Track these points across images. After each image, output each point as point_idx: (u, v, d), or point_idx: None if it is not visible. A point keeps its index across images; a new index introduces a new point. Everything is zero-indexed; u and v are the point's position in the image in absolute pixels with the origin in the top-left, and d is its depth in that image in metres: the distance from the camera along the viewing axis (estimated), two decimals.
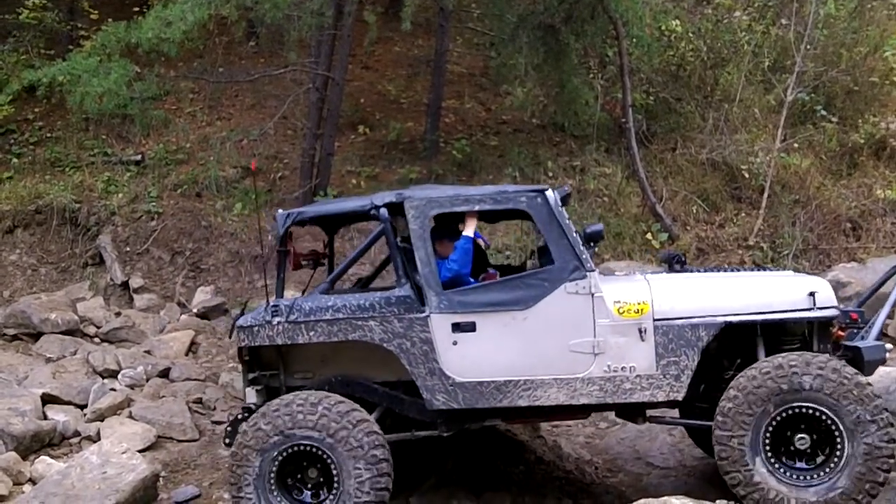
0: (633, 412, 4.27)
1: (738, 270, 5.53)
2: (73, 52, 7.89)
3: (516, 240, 8.00)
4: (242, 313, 4.41)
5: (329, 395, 4.07)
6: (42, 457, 5.15)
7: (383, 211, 4.16)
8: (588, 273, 4.00)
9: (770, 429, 3.82)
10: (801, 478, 3.83)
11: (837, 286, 6.49)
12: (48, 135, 9.46)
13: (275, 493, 3.98)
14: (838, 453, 3.77)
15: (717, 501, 3.86)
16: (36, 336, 7.04)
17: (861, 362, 4.04)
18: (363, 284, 5.21)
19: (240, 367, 4.49)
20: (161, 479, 4.93)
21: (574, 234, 4.05)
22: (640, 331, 3.96)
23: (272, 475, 3.98)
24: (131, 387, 6.19)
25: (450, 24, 9.33)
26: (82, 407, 5.79)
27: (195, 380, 6.38)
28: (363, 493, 3.90)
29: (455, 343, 4.01)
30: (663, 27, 9.11)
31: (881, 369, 4.70)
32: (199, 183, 8.69)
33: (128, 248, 8.26)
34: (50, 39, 9.81)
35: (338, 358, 4.33)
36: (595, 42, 8.78)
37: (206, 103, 9.78)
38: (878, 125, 8.67)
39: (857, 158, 8.62)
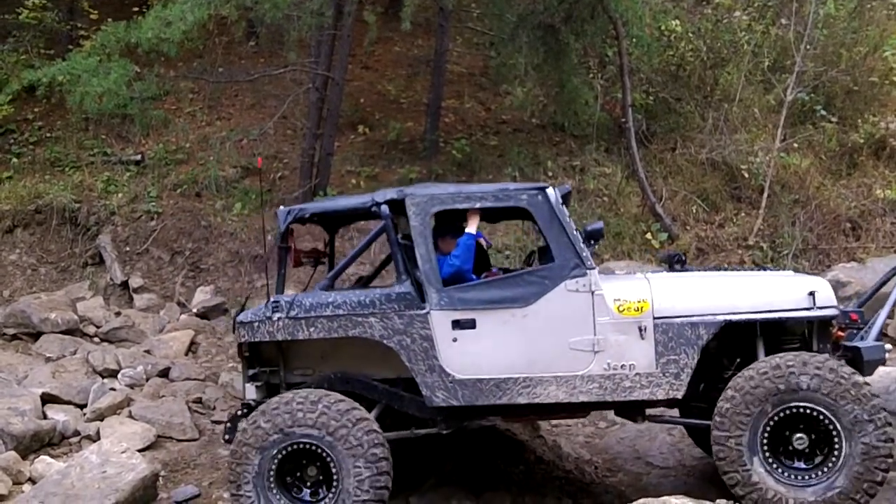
0: (632, 411, 4.26)
1: (738, 270, 5.53)
2: (72, 51, 7.88)
3: (516, 240, 8.00)
4: (243, 310, 4.41)
5: (329, 393, 4.07)
6: (42, 456, 5.15)
7: (384, 208, 4.17)
8: (588, 271, 4.00)
9: (768, 429, 3.82)
10: (799, 477, 3.82)
11: (837, 286, 6.49)
12: (48, 134, 9.47)
13: (274, 492, 3.98)
14: (836, 453, 3.77)
15: (717, 501, 3.85)
16: (36, 336, 7.04)
17: (861, 362, 4.03)
18: (364, 284, 5.20)
19: (240, 365, 4.48)
20: (161, 478, 4.93)
21: (574, 232, 4.05)
22: (640, 329, 3.96)
23: (271, 473, 3.97)
24: (131, 386, 6.18)
25: (449, 24, 9.34)
26: (82, 406, 5.78)
27: (195, 379, 6.38)
28: (362, 491, 3.89)
29: (455, 340, 4.01)
30: (663, 27, 9.12)
31: (881, 369, 4.69)
32: (198, 183, 8.69)
33: (127, 248, 8.26)
34: (50, 39, 9.82)
35: (338, 354, 4.33)
36: (595, 42, 8.79)
37: (206, 103, 9.79)
38: (878, 125, 8.68)
39: (857, 158, 8.63)
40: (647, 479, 5.03)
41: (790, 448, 3.88)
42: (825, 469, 3.80)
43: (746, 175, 8.50)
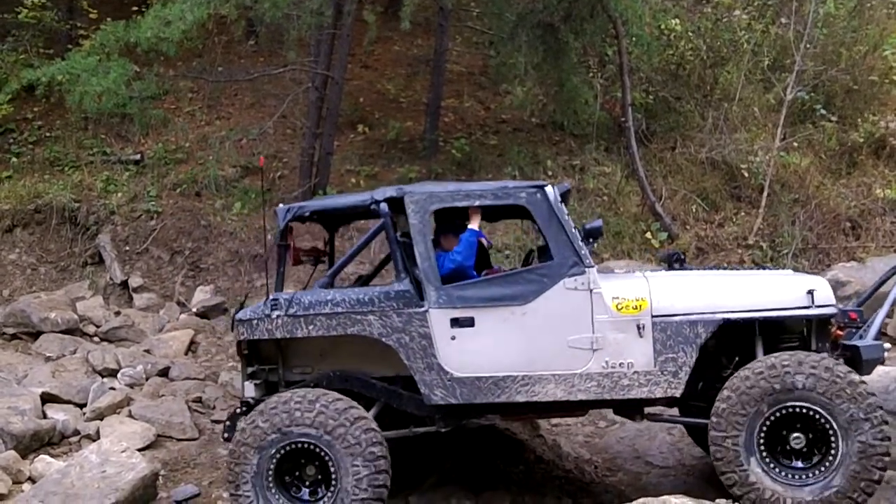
0: (630, 409, 4.26)
1: (737, 269, 5.52)
2: (72, 51, 7.89)
3: (516, 239, 8.00)
4: (242, 308, 4.41)
5: (327, 392, 4.07)
6: (41, 456, 5.14)
7: (383, 206, 4.17)
8: (587, 269, 4.00)
9: (764, 429, 3.82)
10: (797, 477, 3.82)
11: (837, 285, 6.50)
12: (47, 134, 9.47)
13: (273, 491, 3.98)
14: (833, 452, 3.77)
15: (717, 501, 3.85)
16: (35, 335, 7.04)
17: (859, 361, 4.03)
18: (363, 282, 5.21)
19: (239, 364, 4.48)
20: (160, 477, 4.93)
21: (573, 230, 4.06)
22: (639, 327, 3.97)
23: (270, 473, 3.97)
24: (131, 386, 6.18)
25: (449, 24, 9.33)
26: (82, 406, 5.78)
27: (195, 379, 6.38)
28: (361, 490, 3.89)
29: (453, 338, 4.02)
30: (663, 26, 9.12)
31: (880, 369, 4.70)
32: (198, 182, 8.69)
33: (127, 248, 8.26)
34: (49, 39, 9.82)
35: (337, 352, 4.34)
36: (594, 41, 8.78)
37: (206, 102, 9.78)
38: (878, 124, 8.67)
39: (857, 157, 8.63)
40: (646, 478, 5.03)
41: (787, 447, 3.87)
42: (822, 468, 3.80)
43: (746, 174, 8.49)
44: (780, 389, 3.80)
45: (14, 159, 9.11)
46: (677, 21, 9.22)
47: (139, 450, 5.00)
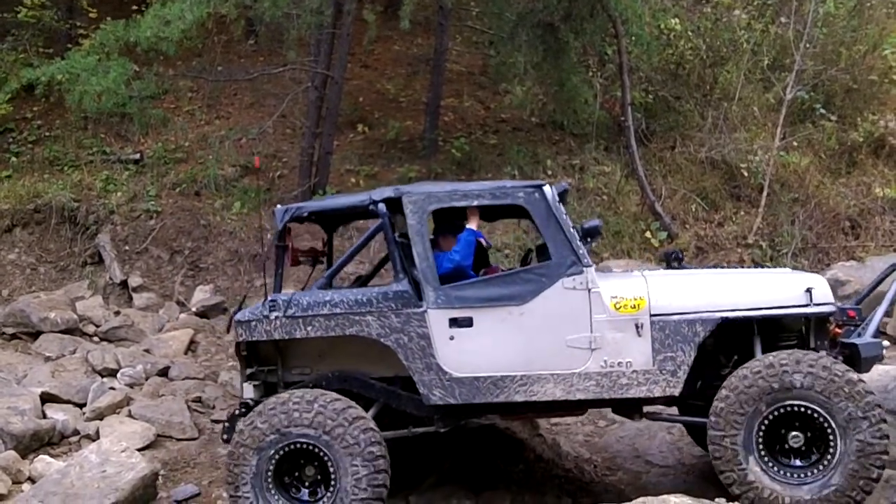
0: (629, 408, 4.26)
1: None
2: (71, 50, 7.89)
3: (516, 238, 8.00)
4: (240, 309, 4.41)
5: (325, 392, 4.07)
6: (41, 455, 5.14)
7: (381, 206, 4.16)
8: (585, 268, 4.00)
9: (762, 428, 3.82)
10: (795, 476, 3.82)
11: (836, 284, 6.50)
12: (47, 133, 9.47)
13: (272, 492, 3.97)
14: (831, 451, 3.77)
15: (716, 500, 3.84)
16: (35, 335, 7.04)
17: (858, 359, 4.03)
18: (362, 283, 5.21)
19: (238, 363, 4.48)
20: (160, 477, 4.93)
21: (571, 230, 4.05)
22: (637, 326, 3.96)
23: (269, 474, 3.96)
24: (130, 385, 6.18)
25: (449, 23, 9.33)
26: (81, 406, 5.78)
27: (194, 378, 6.38)
28: (360, 489, 3.89)
29: (452, 338, 4.01)
30: (662, 25, 9.12)
31: (880, 368, 4.70)
32: (197, 182, 8.70)
33: (127, 247, 8.26)
34: (48, 38, 9.82)
35: (335, 353, 4.33)
36: (594, 40, 8.78)
37: (205, 102, 9.79)
38: (877, 123, 8.68)
39: (856, 157, 8.63)
40: (646, 477, 5.03)
41: (786, 446, 3.87)
42: (821, 467, 3.79)
43: (746, 174, 8.50)
44: (778, 388, 3.80)
45: (13, 159, 9.12)
46: (677, 20, 9.23)
47: (139, 449, 5.00)
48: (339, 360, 4.33)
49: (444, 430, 4.25)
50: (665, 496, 3.77)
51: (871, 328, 4.15)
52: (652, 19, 8.80)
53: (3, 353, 6.73)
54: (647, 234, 8.22)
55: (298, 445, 3.96)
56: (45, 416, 5.56)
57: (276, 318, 4.13)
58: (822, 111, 8.84)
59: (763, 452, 3.83)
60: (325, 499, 3.98)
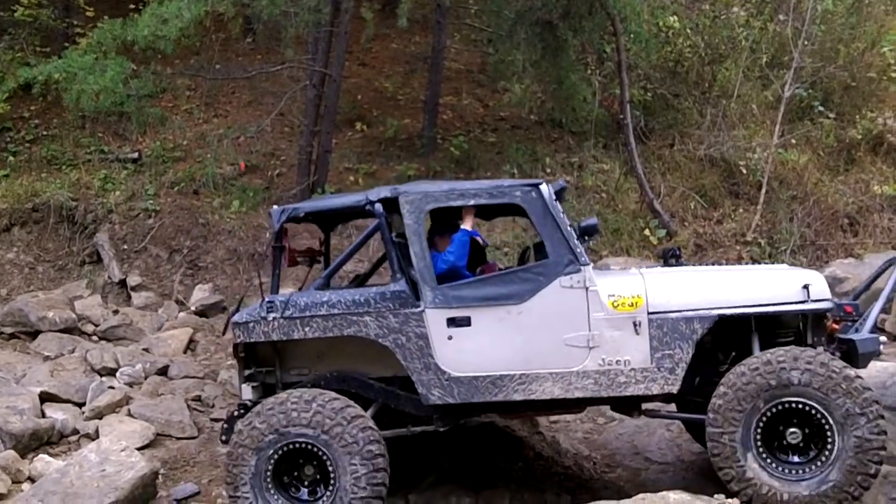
0: (628, 406, 4.26)
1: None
2: (68, 49, 7.87)
3: (514, 236, 8.00)
4: (238, 310, 4.41)
5: (323, 391, 4.06)
6: (41, 455, 5.14)
7: (378, 206, 4.16)
8: (582, 267, 4.00)
9: (761, 424, 3.82)
10: (794, 472, 3.82)
11: (835, 282, 6.51)
12: (44, 133, 9.46)
13: (271, 492, 3.97)
14: (829, 447, 3.77)
15: (715, 496, 3.85)
16: (34, 334, 7.03)
17: (855, 355, 4.04)
18: (360, 281, 5.21)
19: (236, 365, 4.48)
20: (160, 476, 4.93)
21: (568, 228, 4.05)
22: (635, 324, 3.96)
23: (268, 473, 3.96)
24: (130, 385, 6.18)
25: (447, 21, 9.33)
26: (81, 405, 5.78)
27: (194, 377, 6.38)
28: (360, 488, 3.89)
29: (450, 338, 4.01)
30: (661, 23, 9.12)
31: (878, 364, 4.71)
32: (196, 180, 8.69)
33: (125, 246, 8.26)
34: (45, 37, 9.80)
35: (333, 354, 4.33)
36: (593, 38, 8.78)
37: (203, 100, 9.78)
38: (876, 121, 8.69)
39: (855, 154, 8.64)
40: (645, 474, 5.03)
41: (784, 443, 3.88)
42: (819, 463, 3.80)
43: (744, 171, 8.51)
44: (776, 385, 3.80)
45: (11, 158, 9.10)
46: (675, 18, 9.23)
47: (138, 448, 5.01)
48: (337, 361, 4.33)
49: (444, 429, 4.25)
50: (664, 493, 3.79)
51: (869, 324, 4.16)
52: (650, 17, 8.81)
53: (2, 353, 6.73)
54: (646, 232, 8.23)
55: (297, 445, 3.96)
56: (44, 416, 5.56)
57: (274, 319, 4.12)
58: (821, 108, 8.84)
59: (761, 449, 3.84)
60: (324, 498, 3.98)
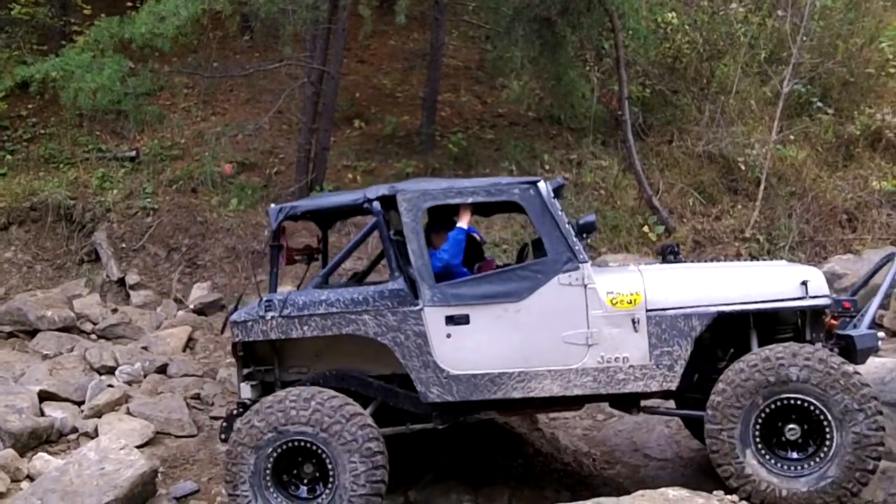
0: (627, 403, 4.27)
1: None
2: (65, 47, 7.84)
3: (513, 234, 8.00)
4: (236, 308, 4.41)
5: (322, 389, 4.06)
6: (40, 454, 5.14)
7: (376, 204, 4.16)
8: (581, 264, 4.00)
9: (759, 421, 3.83)
10: (792, 468, 3.83)
11: (833, 278, 6.52)
12: (42, 131, 9.44)
13: (271, 490, 3.97)
14: (828, 443, 3.78)
15: (714, 492, 3.86)
16: (32, 333, 7.03)
17: (853, 350, 4.04)
18: (359, 279, 5.20)
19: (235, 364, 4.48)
20: (159, 474, 4.93)
21: (567, 226, 4.05)
22: (633, 321, 3.97)
23: (267, 472, 3.96)
24: (129, 383, 6.18)
25: (445, 18, 9.31)
26: (79, 403, 5.78)
27: (193, 375, 6.38)
28: (359, 486, 3.90)
29: (449, 336, 4.01)
30: (659, 19, 9.11)
31: (877, 360, 4.71)
32: (194, 178, 8.68)
33: (123, 245, 8.25)
34: (42, 35, 9.78)
35: (332, 352, 4.33)
36: (591, 34, 8.77)
37: (201, 98, 9.76)
38: (874, 116, 8.68)
39: (853, 150, 8.63)
40: (644, 471, 5.04)
41: (783, 439, 3.88)
42: (817, 459, 3.80)
43: (743, 167, 8.50)
44: (774, 382, 3.80)
45: (9, 157, 9.09)
46: (674, 14, 9.22)
47: (138, 447, 5.01)
48: (336, 359, 4.33)
49: (443, 427, 4.25)
50: (663, 489, 3.80)
51: (867, 319, 4.16)
52: (649, 13, 8.80)
53: (1, 352, 6.73)
54: (645, 229, 8.23)
55: (296, 443, 3.96)
56: (43, 414, 5.57)
57: (272, 318, 4.12)
58: (819, 104, 8.84)
59: (760, 445, 3.84)
60: (323, 496, 3.98)
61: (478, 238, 4.79)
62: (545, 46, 8.23)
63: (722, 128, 8.74)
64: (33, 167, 8.94)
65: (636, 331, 3.96)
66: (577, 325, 3.97)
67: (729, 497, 3.81)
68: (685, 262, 5.12)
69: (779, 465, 3.84)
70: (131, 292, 7.92)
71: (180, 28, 7.03)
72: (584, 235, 4.05)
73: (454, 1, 9.36)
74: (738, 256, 7.82)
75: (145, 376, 6.30)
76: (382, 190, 4.24)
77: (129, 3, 8.44)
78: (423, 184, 4.32)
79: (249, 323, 4.17)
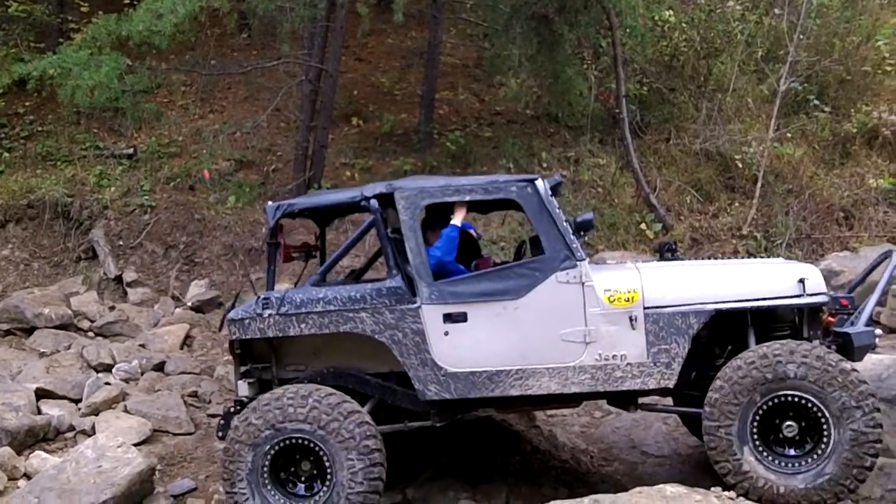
0: (624, 400, 4.28)
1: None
2: (63, 45, 7.83)
3: (511, 231, 8.00)
4: (234, 306, 4.41)
5: (319, 387, 4.06)
6: (37, 451, 5.14)
7: (373, 202, 4.15)
8: (578, 262, 4.00)
9: (757, 418, 3.84)
10: (790, 465, 3.84)
11: (830, 275, 6.52)
12: (39, 129, 9.43)
13: (268, 488, 3.97)
14: (825, 440, 3.79)
15: (712, 489, 3.87)
16: (29, 331, 7.02)
17: (851, 348, 4.04)
18: (356, 276, 5.20)
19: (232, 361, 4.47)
20: (157, 472, 4.92)
21: (564, 224, 4.05)
22: (631, 319, 3.97)
23: (265, 469, 3.96)
24: (126, 381, 6.18)
25: (443, 16, 9.30)
26: (77, 401, 5.78)
27: (190, 373, 6.38)
28: (356, 483, 3.90)
29: (446, 333, 4.01)
30: (656, 17, 9.12)
31: (874, 357, 4.73)
32: (191, 176, 8.68)
33: (121, 242, 8.24)
34: (40, 32, 9.77)
35: (330, 350, 4.33)
36: (588, 32, 8.77)
37: (199, 96, 9.75)
38: (871, 114, 8.70)
39: (850, 148, 8.65)
40: (642, 468, 5.05)
41: (780, 436, 3.89)
42: (815, 456, 3.81)
43: (740, 165, 8.51)
44: (772, 379, 3.81)
45: (6, 154, 9.08)
46: (671, 12, 9.23)
47: (135, 445, 5.00)
48: (333, 357, 4.33)
49: (440, 425, 4.26)
50: (661, 486, 3.80)
51: (864, 317, 4.16)
52: (646, 11, 8.81)
53: None
54: (643, 226, 8.24)
55: (294, 441, 3.96)
56: (40, 412, 5.56)
57: (270, 315, 4.12)
58: (816, 102, 8.85)
59: (757, 442, 3.85)
60: (321, 493, 3.98)
61: (474, 235, 4.78)
62: (543, 44, 8.23)
63: (719, 126, 8.75)
64: (31, 164, 8.93)
65: (634, 328, 3.97)
66: (574, 323, 3.98)
67: (726, 494, 3.82)
68: (683, 259, 5.12)
69: (776, 461, 3.85)
70: (129, 290, 7.91)
71: (178, 25, 7.02)
72: (582, 233, 4.06)
73: None
74: (735, 254, 7.83)
75: (143, 374, 6.29)
76: (380, 188, 4.23)
77: (127, 1, 8.40)
78: (421, 181, 4.31)
79: (247, 320, 4.16)
